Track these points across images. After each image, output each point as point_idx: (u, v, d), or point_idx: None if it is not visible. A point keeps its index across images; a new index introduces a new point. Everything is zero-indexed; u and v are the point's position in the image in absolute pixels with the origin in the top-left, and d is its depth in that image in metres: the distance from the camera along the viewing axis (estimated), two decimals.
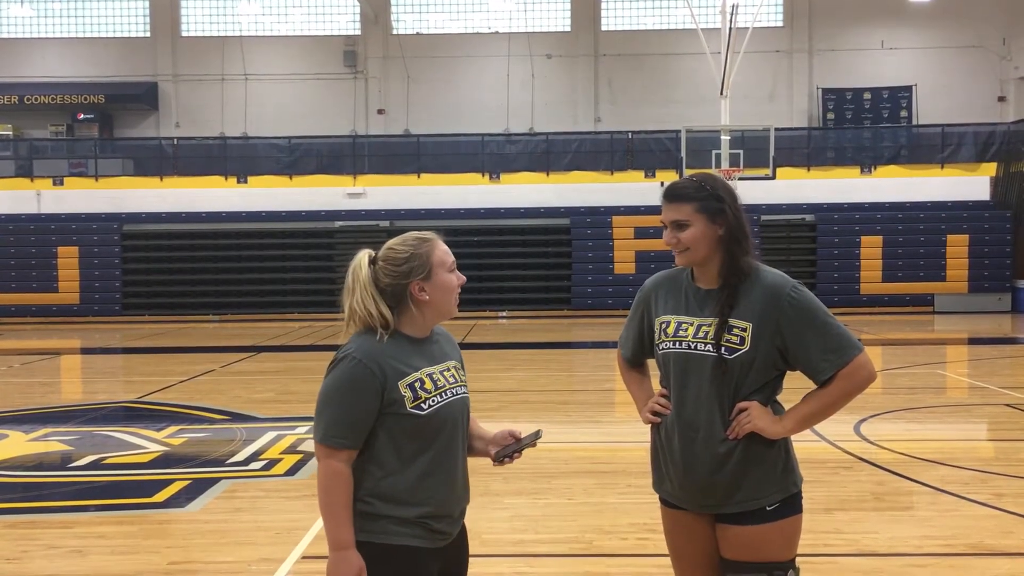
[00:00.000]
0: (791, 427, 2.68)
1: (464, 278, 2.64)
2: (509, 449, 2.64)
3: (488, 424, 2.82)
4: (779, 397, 2.78)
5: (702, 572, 2.79)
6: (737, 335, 2.64)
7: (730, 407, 2.66)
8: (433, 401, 2.52)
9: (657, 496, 2.88)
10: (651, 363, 2.99)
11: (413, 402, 2.49)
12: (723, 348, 2.64)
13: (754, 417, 2.64)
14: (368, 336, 2.54)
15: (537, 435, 2.68)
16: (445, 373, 2.60)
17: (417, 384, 2.51)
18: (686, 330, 2.71)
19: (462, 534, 2.70)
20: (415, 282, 2.54)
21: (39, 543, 5.30)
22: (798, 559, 2.75)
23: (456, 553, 2.66)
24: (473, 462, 2.73)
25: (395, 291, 2.55)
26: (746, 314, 2.65)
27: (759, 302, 2.66)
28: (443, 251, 2.60)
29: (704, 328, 2.68)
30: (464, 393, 2.65)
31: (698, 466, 2.68)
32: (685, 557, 2.81)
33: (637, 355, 2.96)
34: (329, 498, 2.47)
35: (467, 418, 2.67)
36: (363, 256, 2.59)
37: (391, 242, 2.61)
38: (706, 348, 2.66)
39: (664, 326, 2.77)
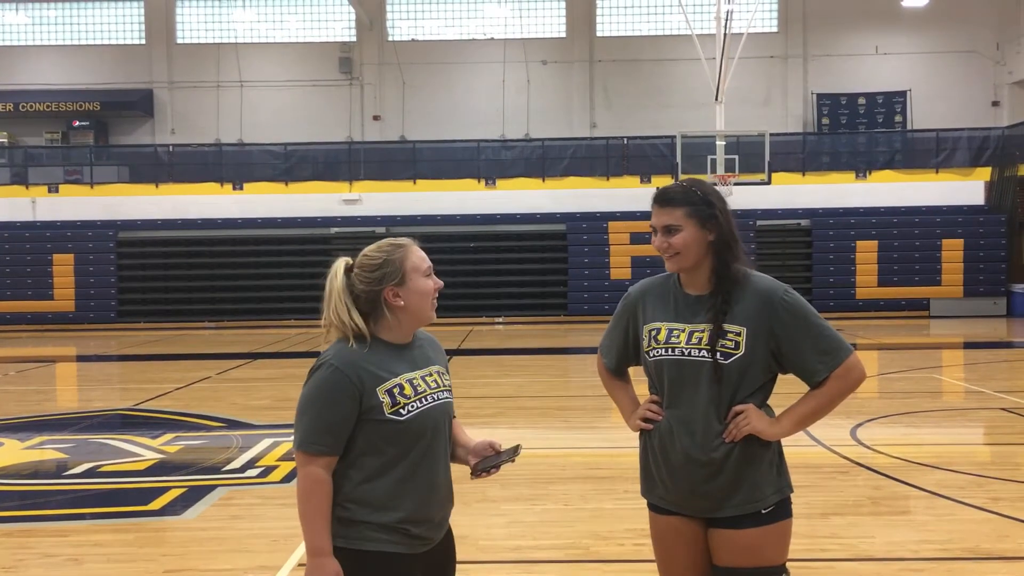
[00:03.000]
0: (788, 428, 2.70)
1: (441, 283, 2.64)
2: (487, 463, 2.64)
3: (479, 431, 2.82)
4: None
5: None
6: (731, 340, 2.66)
7: (726, 411, 2.68)
8: (412, 407, 2.52)
9: None
10: (634, 370, 2.99)
11: (392, 408, 2.50)
12: (719, 353, 2.65)
13: (751, 419, 2.66)
14: (347, 343, 2.55)
15: (516, 451, 2.67)
16: (427, 378, 2.60)
17: (396, 390, 2.51)
18: (678, 336, 2.72)
19: (448, 540, 2.70)
20: (389, 288, 2.55)
21: (35, 552, 5.28)
22: (795, 563, 2.76)
23: (440, 559, 2.65)
24: (464, 469, 2.73)
25: (370, 297, 2.56)
26: (739, 319, 2.67)
27: (752, 307, 2.68)
28: (418, 256, 2.60)
29: (697, 334, 2.69)
30: (447, 398, 2.64)
31: (695, 470, 2.69)
32: (675, 564, 2.80)
33: (621, 363, 2.97)
34: (307, 504, 2.48)
35: (449, 423, 2.67)
36: (339, 265, 2.60)
37: (367, 249, 2.62)
38: (700, 354, 2.67)
39: (654, 333, 2.77)
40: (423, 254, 2.63)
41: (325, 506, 2.48)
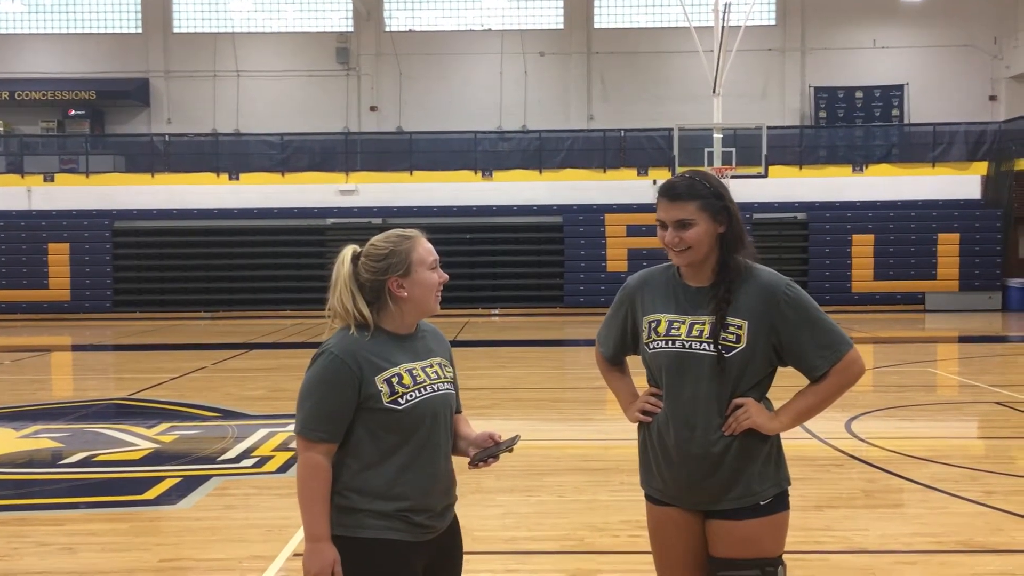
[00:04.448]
0: (787, 422, 2.70)
1: (446, 276, 2.66)
2: (485, 453, 2.65)
3: (474, 423, 2.82)
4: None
5: (687, 571, 2.79)
6: (733, 333, 2.65)
7: (726, 405, 2.67)
8: (411, 396, 2.53)
9: None
10: (632, 360, 2.99)
11: (390, 397, 2.51)
12: (720, 346, 2.64)
13: (751, 413, 2.65)
14: (349, 332, 2.57)
15: (514, 440, 2.69)
16: (427, 369, 2.61)
17: (395, 379, 2.53)
18: (678, 329, 2.70)
19: (453, 530, 2.71)
20: (393, 278, 2.57)
21: (30, 540, 5.28)
22: (788, 555, 2.76)
23: (445, 549, 2.66)
24: (462, 459, 2.73)
25: (374, 287, 2.58)
26: (741, 312, 2.66)
27: (754, 300, 2.67)
28: (425, 249, 2.62)
29: (698, 326, 2.68)
30: (447, 389, 2.65)
31: (694, 464, 2.68)
32: (671, 555, 2.80)
33: (618, 353, 2.96)
34: (306, 490, 2.50)
35: (450, 414, 2.68)
36: (347, 252, 2.62)
37: (375, 238, 2.64)
38: (701, 347, 2.66)
39: (654, 325, 2.75)
40: (430, 247, 2.64)
41: (324, 492, 2.50)
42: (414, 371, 2.57)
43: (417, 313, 2.63)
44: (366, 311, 2.57)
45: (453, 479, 2.69)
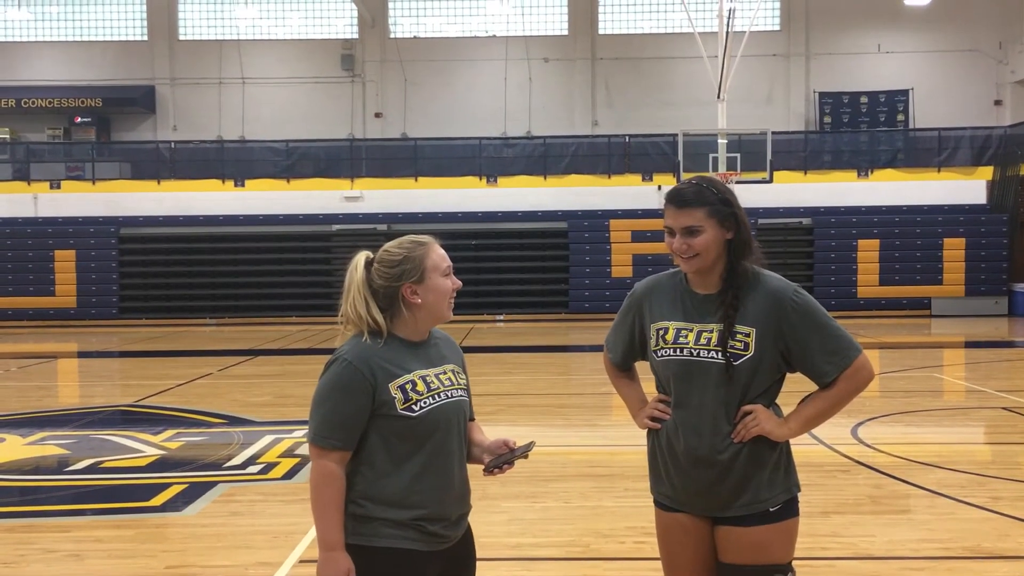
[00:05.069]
0: (796, 429, 2.70)
1: (460, 283, 2.65)
2: (500, 460, 2.64)
3: (484, 428, 2.82)
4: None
5: None
6: (741, 340, 2.64)
7: (735, 412, 2.67)
8: (425, 403, 2.52)
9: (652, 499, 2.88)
10: (641, 367, 2.99)
11: (404, 404, 2.50)
12: (728, 354, 2.64)
13: (761, 420, 2.65)
14: (362, 338, 2.56)
15: (529, 447, 2.69)
16: (441, 376, 2.60)
17: (408, 386, 2.52)
18: (686, 336, 2.70)
19: (467, 539, 2.70)
20: (407, 285, 2.56)
21: (36, 547, 5.29)
22: (795, 562, 2.76)
23: (459, 559, 2.65)
24: (471, 466, 2.73)
25: (388, 293, 2.57)
26: (749, 319, 2.66)
27: (761, 307, 2.66)
28: (438, 255, 2.61)
29: (706, 334, 2.68)
30: (461, 396, 2.64)
31: (703, 471, 2.68)
32: (679, 561, 2.80)
33: (627, 359, 2.96)
34: (320, 498, 2.49)
35: (464, 421, 2.67)
36: (360, 258, 2.62)
37: (388, 244, 2.63)
38: (710, 355, 2.66)
39: (662, 332, 2.75)
40: (443, 253, 2.63)
41: (337, 500, 2.49)
42: (428, 378, 2.56)
43: (431, 320, 2.62)
44: (379, 318, 2.56)
45: (468, 487, 2.68)
